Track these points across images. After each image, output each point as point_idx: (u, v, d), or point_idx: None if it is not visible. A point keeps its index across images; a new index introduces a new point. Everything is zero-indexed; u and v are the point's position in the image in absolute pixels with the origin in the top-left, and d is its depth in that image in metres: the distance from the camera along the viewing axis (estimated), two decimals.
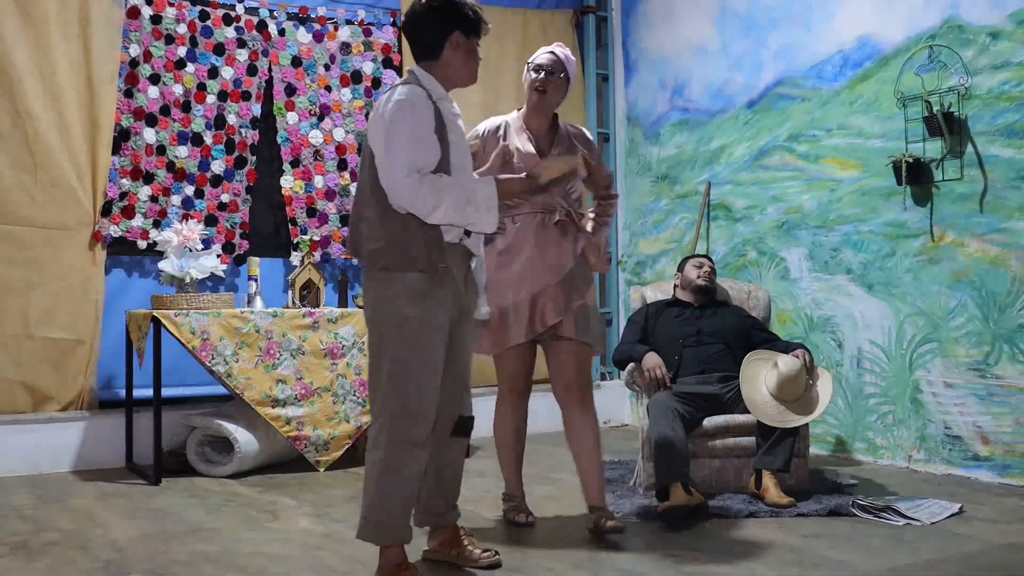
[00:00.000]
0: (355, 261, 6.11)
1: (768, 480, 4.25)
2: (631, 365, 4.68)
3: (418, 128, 2.97)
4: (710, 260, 5.05)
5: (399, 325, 3.00)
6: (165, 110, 5.76)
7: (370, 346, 3.10)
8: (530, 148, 3.75)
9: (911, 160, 5.03)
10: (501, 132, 3.81)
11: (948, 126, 4.90)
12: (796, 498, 4.20)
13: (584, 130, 3.96)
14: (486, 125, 3.86)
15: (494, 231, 3.16)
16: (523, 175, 3.22)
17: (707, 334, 4.77)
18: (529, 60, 3.85)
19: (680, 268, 5.06)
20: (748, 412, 4.42)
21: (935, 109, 4.94)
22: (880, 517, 3.97)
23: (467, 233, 3.10)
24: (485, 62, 6.56)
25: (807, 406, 4.37)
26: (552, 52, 3.81)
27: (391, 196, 2.96)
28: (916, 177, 5.05)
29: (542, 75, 3.77)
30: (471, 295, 3.22)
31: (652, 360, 4.60)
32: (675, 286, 5.04)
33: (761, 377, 4.44)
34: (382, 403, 3.03)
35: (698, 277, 4.92)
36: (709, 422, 4.49)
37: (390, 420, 3.01)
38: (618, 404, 7.06)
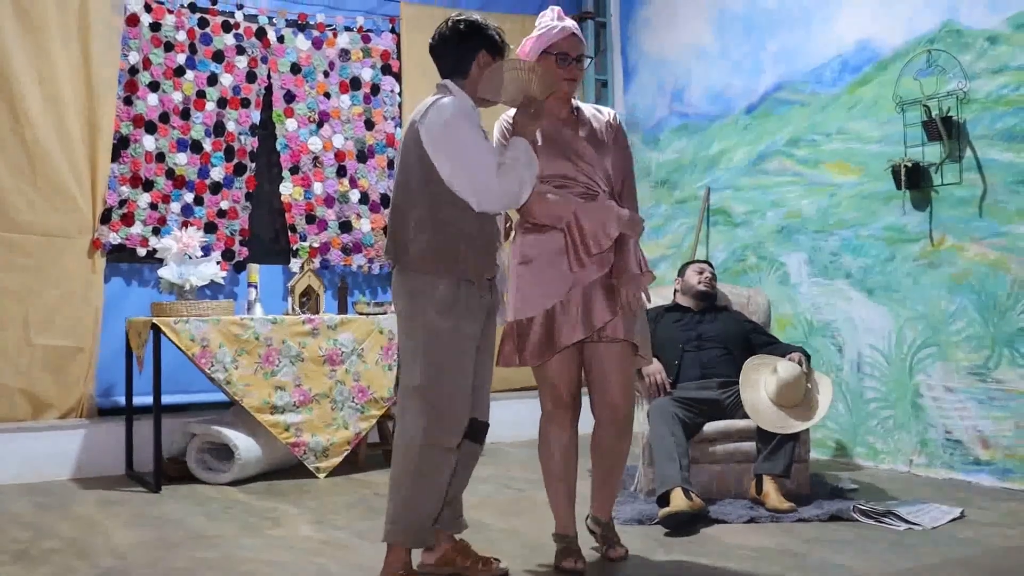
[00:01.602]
0: (386, 267, 6.12)
1: (769, 485, 4.25)
2: None
3: (477, 130, 3.12)
4: (710, 265, 5.05)
5: (435, 334, 3.06)
6: (164, 117, 5.76)
7: (402, 350, 3.16)
8: (552, 134, 3.41)
9: (910, 164, 5.03)
10: None
11: (947, 130, 4.90)
12: (797, 503, 4.20)
13: (605, 110, 3.60)
14: (506, 120, 3.41)
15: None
16: (519, 110, 3.23)
17: (707, 339, 4.77)
18: (547, 48, 3.38)
19: (680, 273, 5.06)
20: (748, 417, 4.43)
21: (934, 113, 4.95)
22: (881, 522, 3.97)
23: (506, 237, 3.22)
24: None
25: (807, 411, 4.38)
26: (574, 34, 3.39)
27: (484, 202, 3.08)
28: (915, 181, 5.05)
29: (571, 64, 3.38)
30: (495, 302, 3.28)
31: (652, 366, 4.60)
32: (675, 291, 5.05)
33: (761, 383, 4.45)
34: (417, 408, 3.06)
35: (699, 282, 4.92)
36: (710, 427, 4.49)
37: (425, 424, 3.04)
38: None
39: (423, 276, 3.08)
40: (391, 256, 3.16)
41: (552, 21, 3.41)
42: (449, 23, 3.26)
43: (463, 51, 3.22)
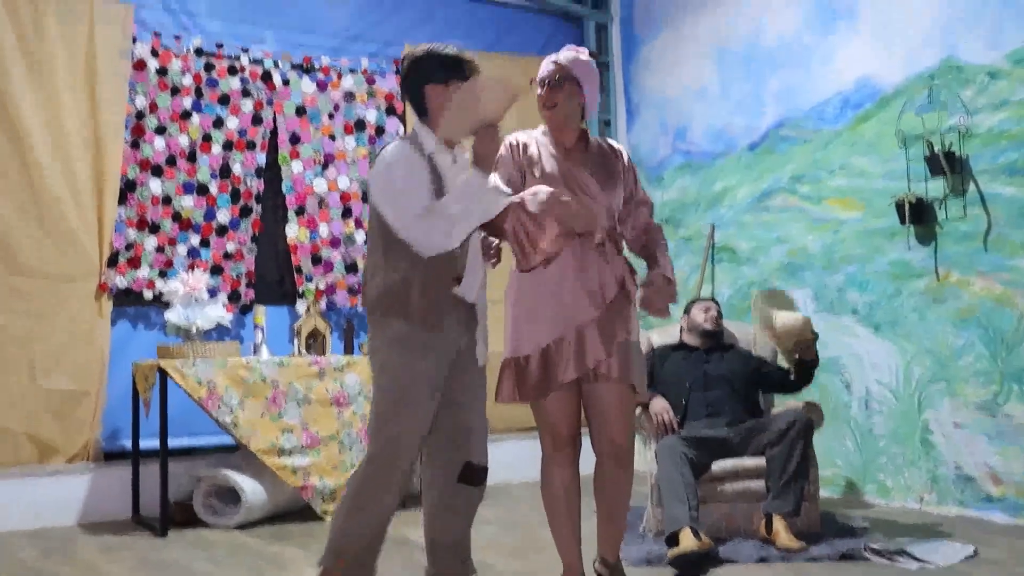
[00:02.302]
0: (361, 309, 6.13)
1: (779, 524, 4.21)
2: (638, 410, 4.66)
3: (410, 174, 3.01)
4: (716, 303, 5.04)
5: (387, 370, 3.05)
6: (171, 160, 5.80)
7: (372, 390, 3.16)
8: (555, 167, 3.30)
9: (914, 200, 5.04)
10: (529, 152, 3.34)
11: (950, 165, 4.91)
12: (807, 542, 4.16)
13: (618, 146, 3.49)
14: (517, 137, 3.37)
15: (507, 202, 3.07)
16: (476, 138, 3.06)
17: (714, 378, 4.75)
18: (532, 79, 3.36)
19: (686, 311, 5.05)
20: (757, 455, 4.42)
21: (936, 148, 4.96)
22: (893, 561, 3.93)
23: (457, 281, 3.09)
24: None
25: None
26: (553, 60, 3.32)
27: (413, 244, 3.00)
28: (919, 217, 5.05)
29: (544, 89, 3.30)
30: (470, 342, 3.18)
31: (659, 404, 4.58)
32: (681, 329, 5.04)
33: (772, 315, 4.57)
34: (371, 441, 3.08)
35: (704, 320, 4.91)
36: (718, 466, 4.46)
37: (371, 456, 3.04)
38: None
39: (379, 317, 3.08)
40: (361, 298, 3.15)
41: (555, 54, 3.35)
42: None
43: (412, 90, 3.14)
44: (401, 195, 2.98)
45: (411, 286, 3.02)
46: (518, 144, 3.34)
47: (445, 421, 3.13)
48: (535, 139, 3.37)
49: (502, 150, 3.29)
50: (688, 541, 3.92)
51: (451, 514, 3.18)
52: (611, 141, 3.50)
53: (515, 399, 3.28)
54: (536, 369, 3.23)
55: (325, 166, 6.24)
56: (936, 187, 5.04)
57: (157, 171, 5.76)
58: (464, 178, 3.02)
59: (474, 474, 3.18)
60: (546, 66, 3.32)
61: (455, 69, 3.09)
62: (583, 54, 3.33)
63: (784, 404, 4.91)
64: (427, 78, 3.10)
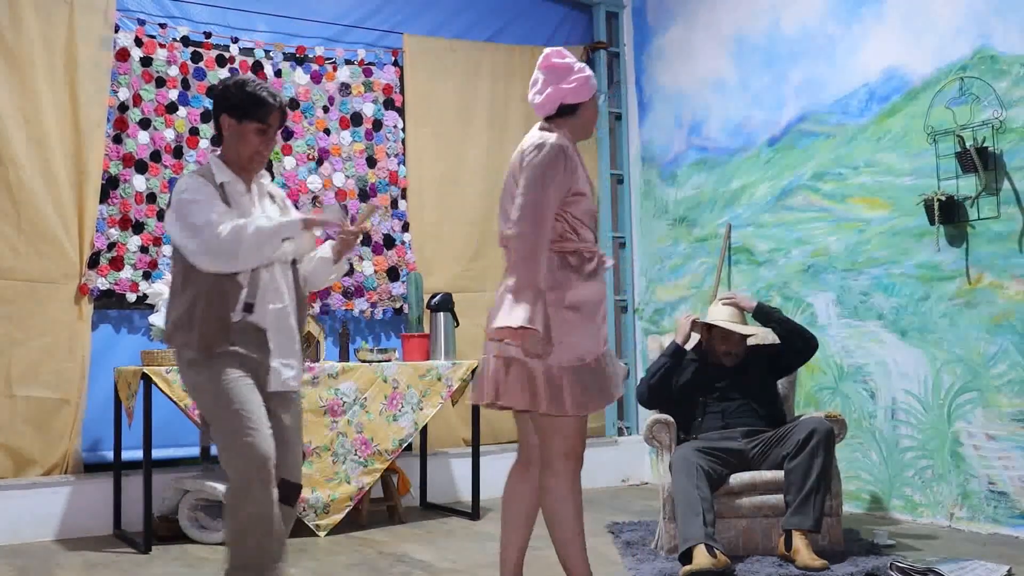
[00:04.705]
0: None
1: (799, 541, 4.19)
2: (662, 370, 4.77)
3: (199, 197, 3.28)
4: (744, 337, 4.83)
5: (199, 392, 3.34)
6: (156, 156, 5.79)
7: None
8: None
9: (944, 198, 5.02)
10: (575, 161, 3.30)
11: (982, 161, 4.90)
12: (830, 560, 4.15)
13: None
14: (566, 146, 3.28)
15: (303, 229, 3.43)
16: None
17: (730, 388, 4.73)
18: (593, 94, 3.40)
19: (707, 320, 4.87)
20: (776, 468, 4.41)
21: (968, 144, 4.94)
22: None
23: (248, 309, 3.32)
24: (489, 101, 6.76)
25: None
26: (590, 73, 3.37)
27: (203, 262, 3.26)
28: (950, 216, 5.03)
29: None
30: (267, 367, 3.38)
31: (681, 319, 4.87)
32: (700, 343, 4.92)
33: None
34: (223, 457, 3.29)
35: (723, 353, 4.81)
36: (735, 479, 4.45)
37: (233, 483, 3.24)
38: (637, 461, 7.00)
39: (175, 346, 3.39)
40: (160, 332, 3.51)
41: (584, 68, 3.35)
42: None
43: (213, 117, 3.44)
44: (188, 222, 3.25)
45: (195, 315, 3.30)
46: (571, 152, 3.29)
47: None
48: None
49: (562, 157, 3.23)
50: (702, 558, 3.90)
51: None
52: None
53: (589, 407, 3.23)
54: (600, 376, 3.23)
55: (319, 162, 6.24)
56: (967, 185, 5.02)
57: (141, 167, 5.75)
58: (269, 217, 3.37)
59: (289, 492, 3.41)
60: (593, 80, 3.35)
61: (255, 110, 3.35)
62: (560, 54, 3.34)
63: (808, 413, 4.90)
64: (226, 108, 3.38)
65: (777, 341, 4.84)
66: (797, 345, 4.77)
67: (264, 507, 3.21)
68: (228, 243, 3.21)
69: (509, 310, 3.07)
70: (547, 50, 3.36)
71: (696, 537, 4.02)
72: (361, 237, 3.70)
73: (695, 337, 4.94)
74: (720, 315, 4.79)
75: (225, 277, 3.29)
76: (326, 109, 6.29)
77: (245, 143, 3.38)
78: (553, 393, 3.14)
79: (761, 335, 4.88)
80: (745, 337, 4.81)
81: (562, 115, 3.33)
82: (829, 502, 4.39)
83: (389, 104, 6.48)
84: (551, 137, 3.24)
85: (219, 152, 3.46)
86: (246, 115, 3.35)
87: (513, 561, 3.41)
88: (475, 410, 5.73)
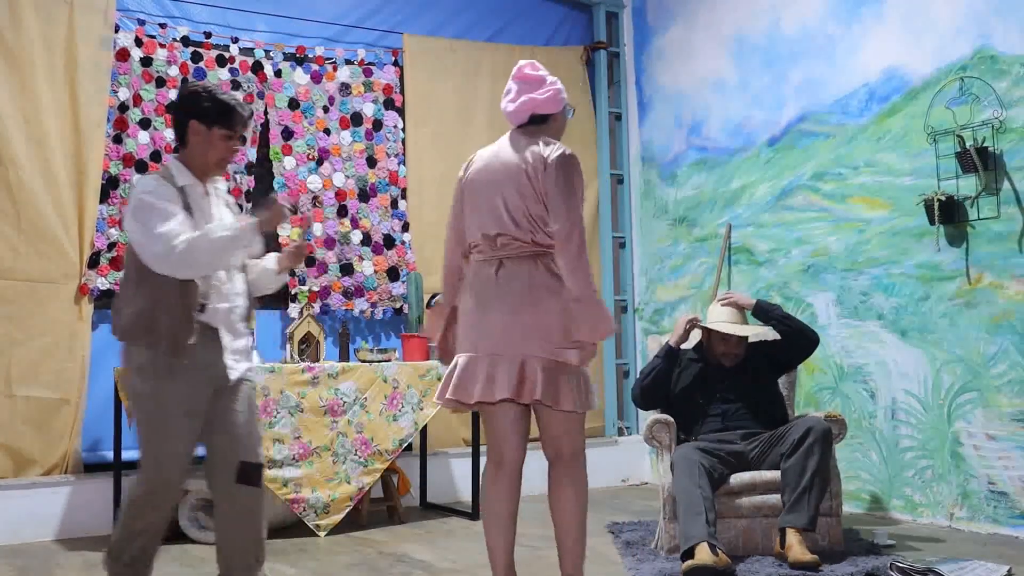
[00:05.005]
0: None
1: (792, 537, 4.20)
2: (653, 382, 4.77)
3: (158, 203, 3.29)
4: (743, 337, 4.83)
5: (137, 399, 3.40)
6: (156, 156, 5.81)
7: None
8: None
9: (944, 198, 5.04)
10: None
11: (982, 161, 4.91)
12: (829, 560, 4.16)
13: None
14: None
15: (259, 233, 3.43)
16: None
17: (730, 390, 4.74)
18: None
19: (706, 321, 4.87)
20: (775, 469, 4.42)
21: (968, 144, 4.96)
22: None
23: (201, 308, 3.36)
24: (489, 101, 6.77)
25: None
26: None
27: (159, 269, 3.28)
28: (950, 216, 5.05)
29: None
30: (221, 364, 3.42)
31: (681, 318, 4.85)
32: (700, 344, 4.94)
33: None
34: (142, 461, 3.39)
35: (722, 354, 4.84)
36: (735, 479, 4.47)
37: (136, 483, 3.37)
38: (637, 461, 7.02)
39: (127, 346, 3.42)
40: (112, 329, 3.50)
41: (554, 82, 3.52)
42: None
43: (178, 121, 3.45)
44: (149, 223, 3.27)
45: (157, 313, 3.31)
46: None
47: (219, 438, 3.41)
48: None
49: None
50: (704, 555, 3.92)
51: (239, 517, 3.43)
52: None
53: (595, 403, 3.42)
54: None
55: (319, 162, 6.26)
56: (967, 185, 5.04)
57: (141, 167, 5.77)
58: (228, 222, 3.40)
59: (250, 472, 3.43)
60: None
61: (224, 117, 3.40)
62: (533, 67, 3.53)
63: (808, 413, 4.91)
64: (195, 114, 3.40)
65: (778, 338, 4.85)
66: (798, 341, 4.79)
67: (160, 521, 3.43)
68: (185, 255, 3.24)
69: (594, 320, 3.24)
70: (521, 62, 3.53)
71: (698, 536, 4.03)
72: (304, 257, 3.84)
73: (696, 337, 4.96)
74: (719, 315, 4.81)
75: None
76: (326, 109, 6.31)
77: (213, 149, 3.43)
78: (586, 391, 3.34)
79: (761, 333, 4.89)
80: (744, 337, 4.83)
81: (533, 123, 3.46)
82: (828, 501, 4.40)
83: (389, 104, 6.49)
84: (565, 147, 3.37)
85: (180, 155, 3.47)
86: (216, 122, 3.39)
87: (504, 563, 3.44)
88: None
